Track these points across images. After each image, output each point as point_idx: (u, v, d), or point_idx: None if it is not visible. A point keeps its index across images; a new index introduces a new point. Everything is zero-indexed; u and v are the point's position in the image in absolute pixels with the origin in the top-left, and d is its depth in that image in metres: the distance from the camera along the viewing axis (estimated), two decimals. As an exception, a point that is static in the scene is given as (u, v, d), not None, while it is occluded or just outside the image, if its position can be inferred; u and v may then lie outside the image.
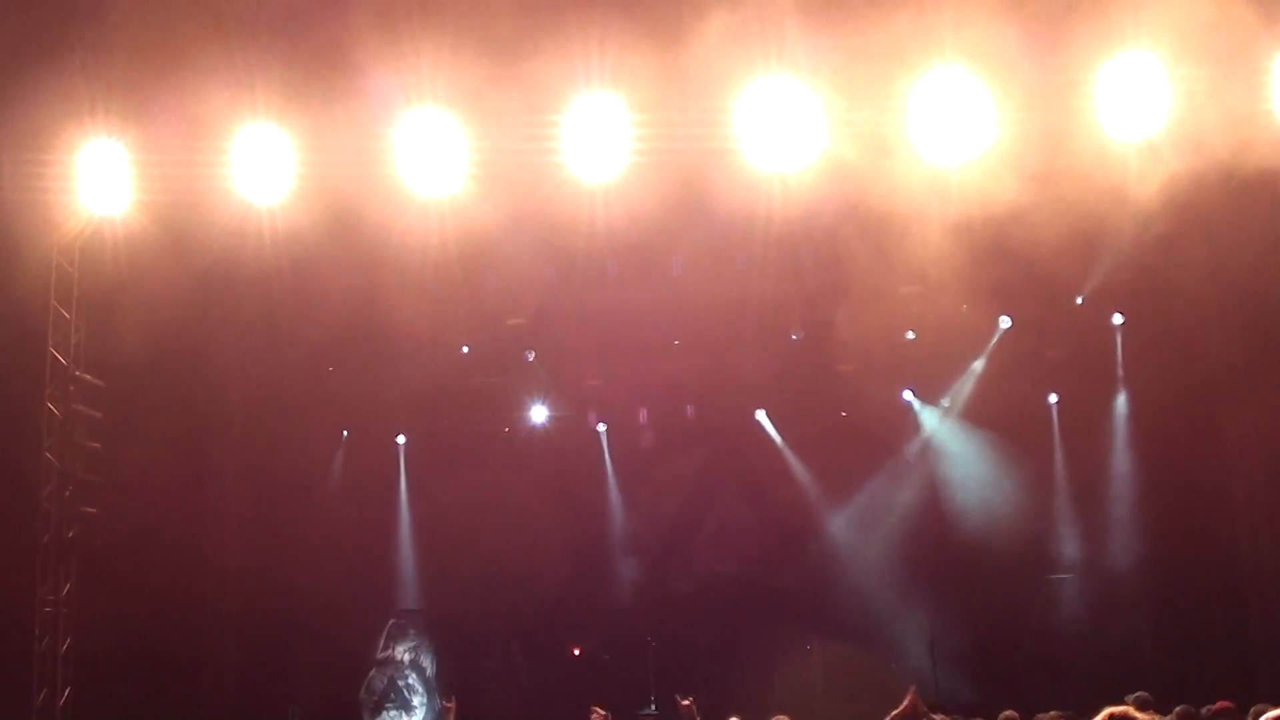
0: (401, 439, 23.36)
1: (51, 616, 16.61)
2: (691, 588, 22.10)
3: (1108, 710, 7.32)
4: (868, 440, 21.91)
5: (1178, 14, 13.59)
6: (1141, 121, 14.41)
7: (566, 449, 22.76)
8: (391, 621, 21.02)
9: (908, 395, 22.41)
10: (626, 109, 14.96)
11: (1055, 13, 14.13)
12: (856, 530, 21.90)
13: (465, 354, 21.78)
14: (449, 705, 14.89)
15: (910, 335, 21.09)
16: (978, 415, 21.35)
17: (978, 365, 21.29)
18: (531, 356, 21.96)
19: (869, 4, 14.22)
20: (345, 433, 22.97)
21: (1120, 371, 20.79)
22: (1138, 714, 7.33)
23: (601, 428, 23.22)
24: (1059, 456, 21.38)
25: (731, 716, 12.39)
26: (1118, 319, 20.78)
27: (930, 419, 22.22)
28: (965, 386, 21.50)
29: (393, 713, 20.36)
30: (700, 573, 22.12)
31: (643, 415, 22.65)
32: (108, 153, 15.48)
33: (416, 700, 20.45)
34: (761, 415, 22.87)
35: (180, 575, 19.20)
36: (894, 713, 10.69)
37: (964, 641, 20.16)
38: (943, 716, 11.42)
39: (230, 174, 15.44)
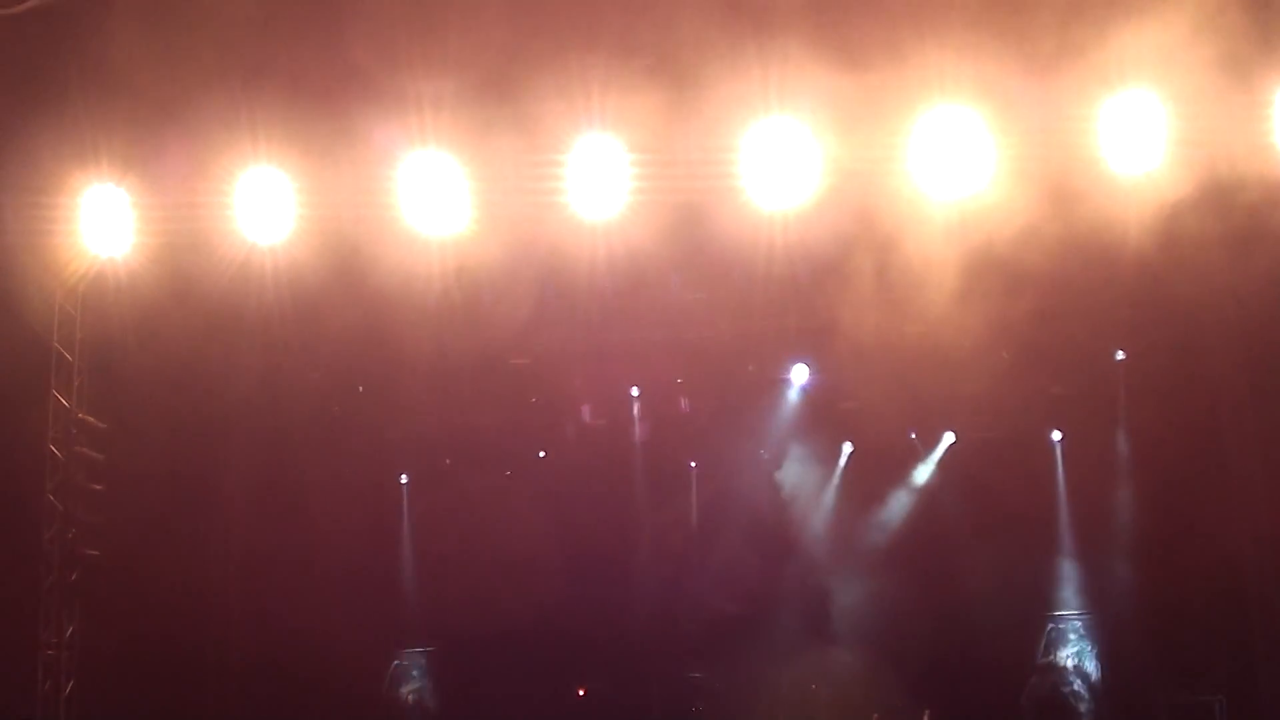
0: (404, 478, 23.34)
1: (54, 659, 16.57)
2: (698, 626, 22.05)
3: None
4: (873, 479, 21.88)
5: (1176, 51, 13.64)
6: (1141, 156, 14.43)
7: (570, 486, 22.72)
8: (395, 663, 20.97)
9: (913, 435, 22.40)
10: (627, 148, 14.99)
11: (1054, 51, 14.14)
12: (860, 568, 21.83)
13: (469, 393, 21.77)
14: None
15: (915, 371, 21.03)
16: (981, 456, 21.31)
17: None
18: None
19: (869, 43, 14.26)
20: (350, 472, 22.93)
21: (1123, 407, 20.76)
22: None
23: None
24: (1062, 493, 21.35)
25: None
26: (1120, 355, 20.77)
27: (933, 460, 22.19)
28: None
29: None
30: (706, 611, 22.06)
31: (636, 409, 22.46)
32: (110, 196, 15.52)
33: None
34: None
35: (183, 618, 19.14)
36: None
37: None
38: None
39: (233, 215, 15.47)
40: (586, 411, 22.41)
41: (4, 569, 16.48)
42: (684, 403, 22.31)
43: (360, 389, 21.44)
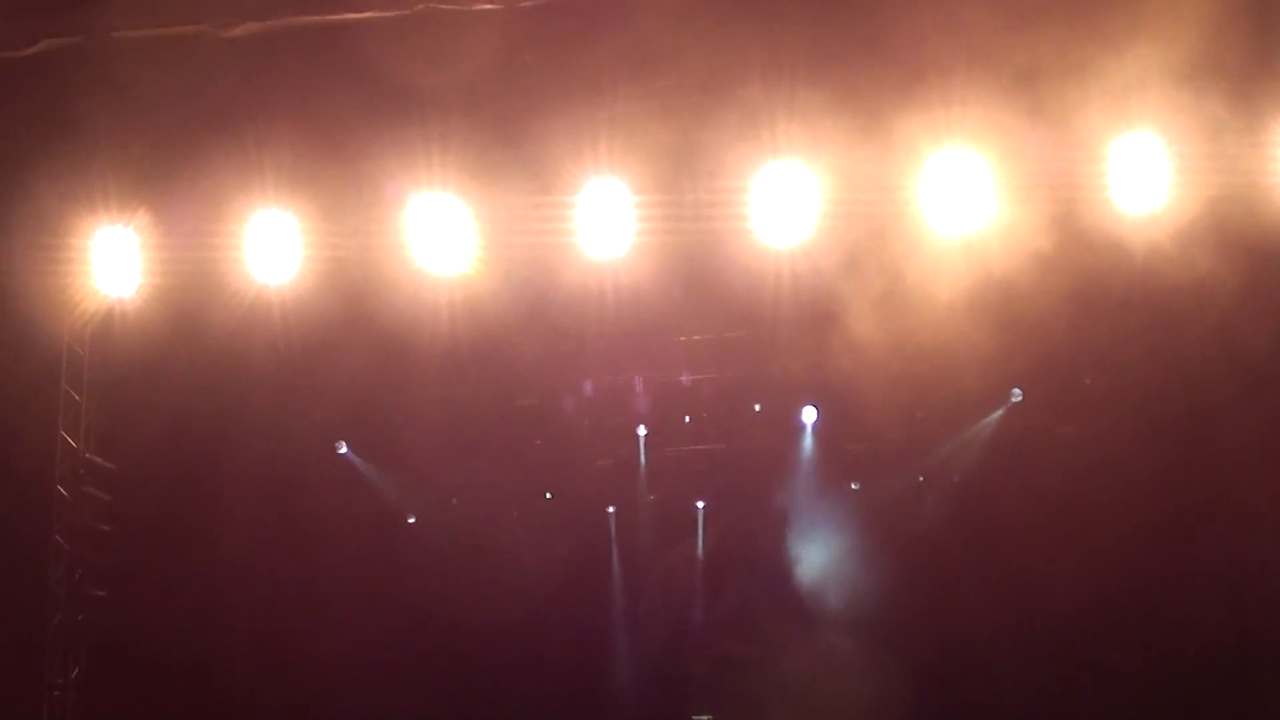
0: (411, 519, 23.32)
1: (60, 700, 16.56)
2: (704, 669, 21.97)
3: None
4: (880, 521, 21.83)
5: (1178, 94, 13.72)
6: (1144, 197, 14.49)
7: (575, 530, 22.70)
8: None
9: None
10: (633, 190, 15.08)
11: (1058, 96, 14.22)
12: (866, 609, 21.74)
13: (476, 435, 21.77)
14: None
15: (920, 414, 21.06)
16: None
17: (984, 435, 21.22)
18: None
19: (874, 86, 14.35)
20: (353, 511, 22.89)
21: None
22: None
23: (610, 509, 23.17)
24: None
25: None
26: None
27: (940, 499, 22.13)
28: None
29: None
30: (712, 654, 21.99)
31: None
32: (120, 237, 15.64)
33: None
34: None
35: (189, 660, 19.10)
36: None
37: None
38: None
39: (241, 256, 15.57)
40: (592, 451, 22.39)
41: (10, 609, 16.51)
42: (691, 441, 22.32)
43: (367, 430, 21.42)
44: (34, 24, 14.85)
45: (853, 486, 22.15)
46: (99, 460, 17.31)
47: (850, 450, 21.30)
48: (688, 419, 21.94)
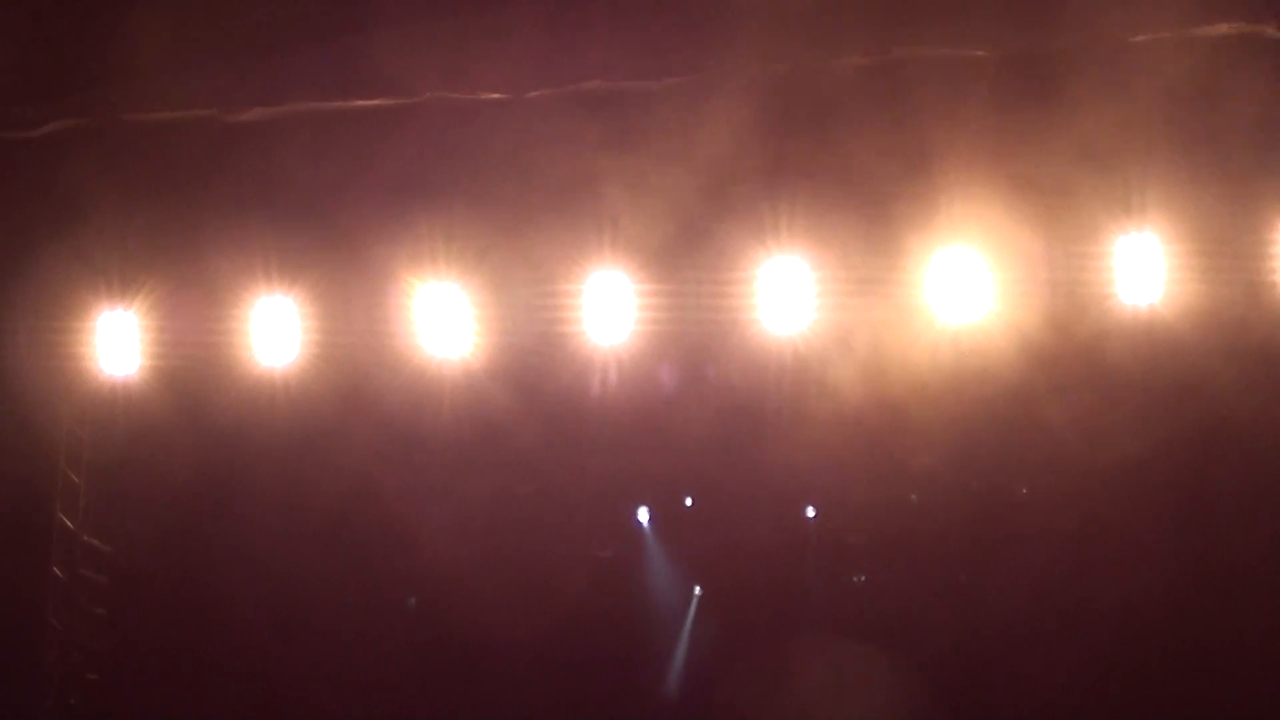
0: (412, 601, 23.19)
1: (50, 787, 16.43)
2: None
3: None
4: (882, 613, 21.68)
5: (1177, 194, 13.82)
6: (1142, 294, 14.54)
7: (576, 620, 22.54)
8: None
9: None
10: (633, 280, 15.15)
11: (1058, 191, 14.32)
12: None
13: (476, 523, 21.69)
14: None
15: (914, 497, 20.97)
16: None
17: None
18: None
19: (875, 182, 14.46)
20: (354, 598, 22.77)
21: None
22: None
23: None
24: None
25: None
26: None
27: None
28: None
29: None
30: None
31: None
32: (121, 319, 15.68)
33: None
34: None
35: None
36: None
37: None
38: None
39: (243, 341, 15.61)
40: (593, 542, 22.32)
41: (3, 690, 16.39)
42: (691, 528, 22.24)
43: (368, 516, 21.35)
44: (47, 106, 15.05)
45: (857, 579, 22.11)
46: (96, 542, 17.25)
47: (850, 543, 21.22)
48: (689, 501, 21.96)
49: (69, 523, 16.94)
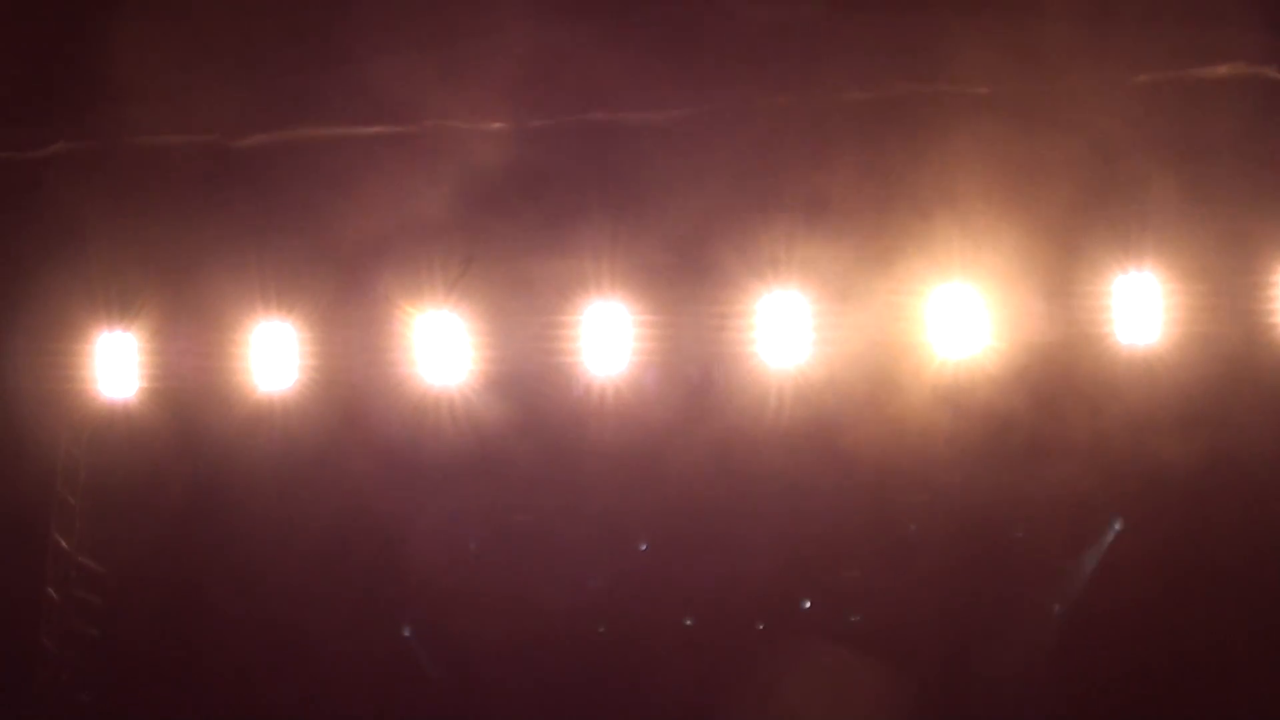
0: (407, 631, 23.12)
1: (39, 811, 16.37)
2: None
3: None
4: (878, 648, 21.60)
5: (1176, 234, 13.84)
6: (1142, 333, 14.52)
7: (568, 649, 22.47)
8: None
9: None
10: (633, 312, 15.16)
11: (1059, 229, 14.34)
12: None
13: (473, 551, 21.65)
14: None
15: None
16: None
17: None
18: None
19: (871, 218, 14.50)
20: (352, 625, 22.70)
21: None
22: None
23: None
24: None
25: None
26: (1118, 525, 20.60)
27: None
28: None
29: None
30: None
31: None
32: (120, 341, 15.72)
33: None
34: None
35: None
36: None
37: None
38: None
39: (241, 365, 15.66)
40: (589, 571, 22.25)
41: (-5, 713, 16.40)
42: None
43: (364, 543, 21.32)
44: (48, 128, 15.10)
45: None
46: (91, 563, 17.23)
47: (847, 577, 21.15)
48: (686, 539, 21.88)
49: (64, 544, 16.91)
